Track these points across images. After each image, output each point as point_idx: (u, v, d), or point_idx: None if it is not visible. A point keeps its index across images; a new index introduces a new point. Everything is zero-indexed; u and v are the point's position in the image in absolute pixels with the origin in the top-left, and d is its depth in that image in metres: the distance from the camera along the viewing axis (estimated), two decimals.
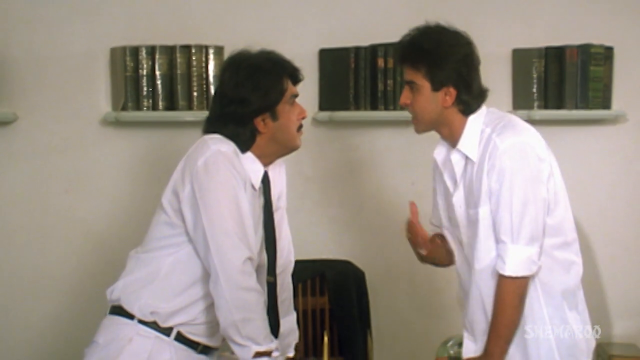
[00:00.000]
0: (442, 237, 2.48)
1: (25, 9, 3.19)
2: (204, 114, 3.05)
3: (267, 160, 2.32)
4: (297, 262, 3.21)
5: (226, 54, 3.13)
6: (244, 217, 2.15)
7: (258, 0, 3.31)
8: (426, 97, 2.23)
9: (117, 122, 3.21)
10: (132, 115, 3.17)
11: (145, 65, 3.15)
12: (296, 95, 2.34)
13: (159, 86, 3.16)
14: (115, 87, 3.22)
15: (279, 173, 2.44)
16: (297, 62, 3.21)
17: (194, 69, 3.18)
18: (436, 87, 2.22)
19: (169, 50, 3.16)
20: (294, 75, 2.35)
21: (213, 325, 2.21)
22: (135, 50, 3.14)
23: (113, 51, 3.19)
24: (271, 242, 2.36)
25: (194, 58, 3.17)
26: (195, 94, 3.18)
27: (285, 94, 2.27)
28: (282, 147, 2.34)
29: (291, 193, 3.34)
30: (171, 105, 3.17)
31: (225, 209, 2.12)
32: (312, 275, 3.24)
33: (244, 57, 2.33)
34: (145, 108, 3.16)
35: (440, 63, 2.21)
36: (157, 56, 3.15)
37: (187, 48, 3.17)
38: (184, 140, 3.09)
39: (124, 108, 3.16)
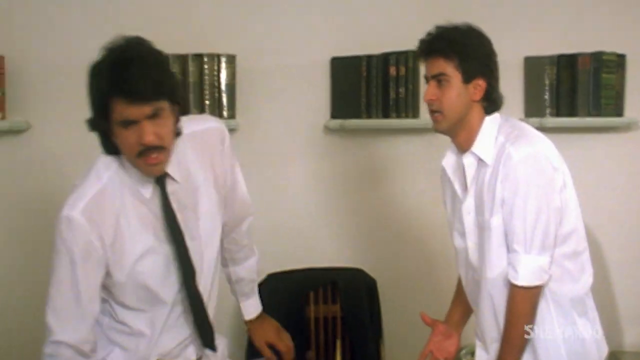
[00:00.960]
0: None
1: (37, 13, 3.19)
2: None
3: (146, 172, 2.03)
4: (308, 270, 3.26)
5: (238, 63, 3.17)
6: (80, 294, 2.00)
7: (270, 8, 3.30)
8: (456, 90, 2.22)
9: None
10: None
11: None
12: (129, 121, 1.85)
13: None
14: None
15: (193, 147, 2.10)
16: (309, 70, 3.32)
17: (206, 77, 3.18)
18: (468, 78, 2.21)
19: (181, 59, 3.17)
20: (130, 95, 1.82)
21: None
22: None
23: None
24: (180, 249, 2.08)
25: (206, 67, 3.18)
26: (207, 102, 3.19)
27: (112, 117, 1.87)
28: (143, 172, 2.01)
29: (303, 201, 3.38)
30: (183, 113, 3.17)
31: (54, 285, 2.01)
32: (323, 283, 3.24)
33: (100, 57, 1.91)
34: None
35: (472, 54, 2.22)
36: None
37: (199, 57, 3.18)
38: None
39: None
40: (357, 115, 3.30)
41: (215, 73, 3.20)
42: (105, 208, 1.98)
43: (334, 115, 3.35)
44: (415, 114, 3.29)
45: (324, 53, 3.34)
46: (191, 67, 3.17)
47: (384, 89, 3.29)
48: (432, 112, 2.28)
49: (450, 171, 2.37)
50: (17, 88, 3.13)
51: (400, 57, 3.25)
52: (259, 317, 2.54)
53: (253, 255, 2.50)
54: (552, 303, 2.25)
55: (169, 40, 3.13)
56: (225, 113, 3.20)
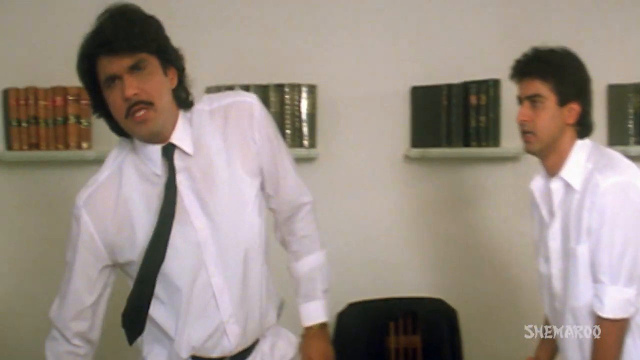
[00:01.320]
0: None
1: None
2: (297, 152, 3.14)
3: (152, 141, 1.96)
4: (389, 300, 3.24)
5: (319, 93, 3.20)
6: (70, 282, 2.03)
7: (350, 38, 3.33)
8: (550, 112, 2.21)
9: None
10: None
11: None
12: (112, 77, 1.83)
13: None
14: None
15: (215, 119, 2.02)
16: (389, 100, 3.32)
17: (287, 107, 3.22)
18: (563, 101, 2.21)
19: (263, 89, 3.21)
20: (106, 46, 1.81)
21: None
22: (229, 89, 3.19)
23: (208, 90, 3.25)
24: (160, 228, 1.94)
25: (287, 96, 3.21)
26: (288, 131, 3.22)
27: (100, 82, 1.87)
28: (136, 136, 1.96)
29: (383, 230, 3.37)
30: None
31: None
32: (403, 313, 3.22)
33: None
34: None
35: (569, 77, 2.22)
36: None
37: (280, 87, 3.22)
38: None
39: None
40: (438, 144, 3.29)
41: (296, 103, 3.23)
42: (110, 196, 1.98)
43: (414, 144, 3.34)
44: (496, 142, 3.26)
45: (404, 82, 3.34)
46: (272, 97, 3.21)
47: (464, 117, 3.27)
48: (524, 132, 2.27)
49: (538, 195, 2.35)
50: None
51: (481, 85, 3.24)
52: (314, 331, 2.19)
53: (316, 250, 2.23)
54: (638, 337, 2.19)
55: (251, 71, 3.23)
56: (305, 142, 3.23)
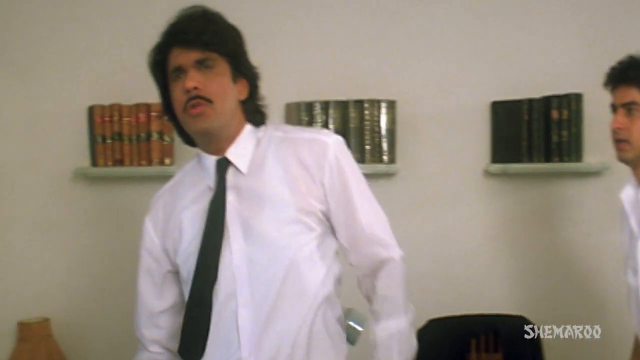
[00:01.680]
0: None
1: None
2: (376, 167, 3.14)
3: (209, 149, 1.97)
4: (470, 317, 3.20)
5: (398, 108, 3.19)
6: (139, 288, 2.10)
7: (430, 53, 3.31)
8: None
9: None
10: None
11: (319, 120, 3.22)
12: (178, 69, 1.87)
13: None
14: None
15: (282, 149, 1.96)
16: (469, 115, 3.30)
17: (367, 122, 3.22)
18: None
19: (342, 105, 3.22)
20: (178, 37, 1.87)
21: None
22: (309, 106, 3.22)
23: (288, 107, 3.28)
24: (207, 241, 1.90)
25: (366, 112, 3.21)
26: (367, 147, 3.22)
27: (167, 74, 1.92)
28: (192, 134, 1.97)
29: (463, 246, 3.33)
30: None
31: None
32: (485, 330, 3.17)
33: None
34: None
35: None
36: (330, 111, 3.22)
37: (359, 103, 3.22)
38: None
39: None
40: (518, 160, 3.25)
41: (376, 118, 3.22)
42: (168, 203, 2.03)
43: (494, 160, 3.31)
44: (578, 157, 3.21)
45: (484, 97, 3.31)
46: (352, 113, 3.22)
47: (545, 132, 3.22)
48: (618, 141, 2.24)
49: (627, 205, 2.31)
50: None
51: (563, 100, 3.19)
52: None
53: (399, 315, 2.00)
54: None
55: (331, 87, 3.24)
56: (385, 158, 3.22)
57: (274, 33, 3.29)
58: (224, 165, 1.94)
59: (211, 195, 1.93)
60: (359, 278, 2.06)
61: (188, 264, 1.94)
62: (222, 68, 1.89)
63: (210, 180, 1.95)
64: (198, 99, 1.83)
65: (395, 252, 2.05)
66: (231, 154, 1.94)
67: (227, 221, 1.90)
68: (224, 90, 1.89)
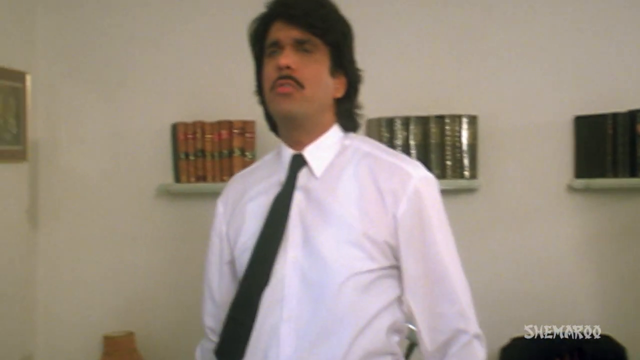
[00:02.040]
0: None
1: None
2: (457, 183, 3.13)
3: (289, 140, 1.85)
4: (554, 336, 3.15)
5: (480, 123, 3.17)
6: (206, 272, 2.03)
7: (511, 68, 3.28)
8: None
9: None
10: None
11: (399, 136, 3.21)
12: (275, 43, 1.75)
13: (414, 156, 3.20)
14: None
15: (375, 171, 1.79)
16: (552, 129, 3.25)
17: (448, 138, 3.20)
18: None
19: (423, 121, 3.21)
20: (280, 11, 1.76)
21: None
22: (390, 122, 3.22)
23: (369, 122, 3.28)
24: (264, 242, 1.78)
25: (447, 127, 3.20)
26: (448, 163, 3.20)
27: (264, 48, 1.80)
28: (275, 118, 1.85)
29: (546, 262, 3.28)
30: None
31: None
32: (569, 349, 3.12)
33: None
34: None
35: None
36: (411, 127, 3.21)
37: (440, 118, 3.20)
38: None
39: None
40: (603, 175, 3.19)
41: (457, 134, 3.20)
42: (239, 190, 1.95)
43: (578, 175, 3.26)
44: None
45: (567, 112, 3.26)
46: (433, 129, 3.20)
47: (630, 147, 3.15)
48: None
49: None
50: None
51: None
52: None
53: None
54: None
55: (411, 102, 3.23)
56: (466, 173, 3.20)
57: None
58: (298, 162, 1.81)
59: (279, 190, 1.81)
60: (421, 352, 1.80)
61: (242, 259, 1.82)
62: (322, 56, 1.76)
63: (283, 174, 1.82)
64: (289, 79, 1.70)
65: (474, 327, 1.77)
66: (309, 152, 1.81)
67: (289, 223, 1.76)
68: (319, 79, 1.75)
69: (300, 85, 1.71)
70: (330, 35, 1.75)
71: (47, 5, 3.50)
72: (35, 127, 3.44)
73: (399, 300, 1.79)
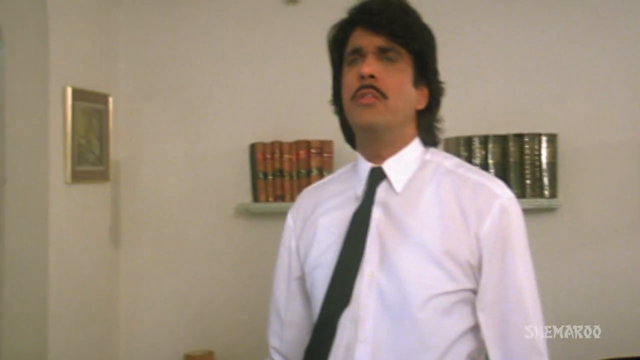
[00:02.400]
0: None
1: None
2: (536, 202, 3.09)
3: (368, 153, 1.77)
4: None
5: (559, 141, 3.13)
6: (273, 288, 1.94)
7: (592, 85, 3.23)
8: None
9: None
10: None
11: (478, 155, 3.19)
12: (357, 50, 1.68)
13: (492, 174, 3.16)
14: None
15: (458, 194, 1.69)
16: (634, 148, 3.19)
17: (527, 157, 3.16)
18: None
19: (502, 140, 3.19)
20: (363, 18, 1.68)
21: None
22: (468, 140, 3.20)
23: (447, 142, 3.27)
24: (345, 260, 1.69)
25: (526, 146, 3.16)
26: (527, 181, 3.16)
27: (344, 56, 1.73)
28: (355, 129, 1.77)
29: (629, 283, 3.21)
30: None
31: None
32: None
33: None
34: None
35: None
36: (489, 145, 3.19)
37: (519, 137, 3.17)
38: None
39: None
40: None
41: (536, 152, 3.17)
42: (310, 203, 1.87)
43: None
44: None
45: None
46: (512, 147, 3.17)
47: None
48: None
49: None
50: None
51: None
52: None
53: None
54: None
55: (490, 121, 3.21)
56: (546, 192, 3.16)
57: None
58: (377, 175, 1.73)
59: (356, 205, 1.73)
60: None
61: (314, 276, 1.76)
62: (405, 66, 1.68)
63: (360, 188, 1.75)
64: (371, 89, 1.63)
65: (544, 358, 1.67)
66: (389, 166, 1.73)
67: (367, 240, 1.68)
68: (402, 89, 1.67)
69: (383, 95, 1.64)
70: (414, 44, 1.68)
71: (128, 29, 3.59)
72: (117, 148, 3.52)
73: (477, 327, 1.70)
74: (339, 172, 1.92)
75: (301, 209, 1.89)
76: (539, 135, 3.18)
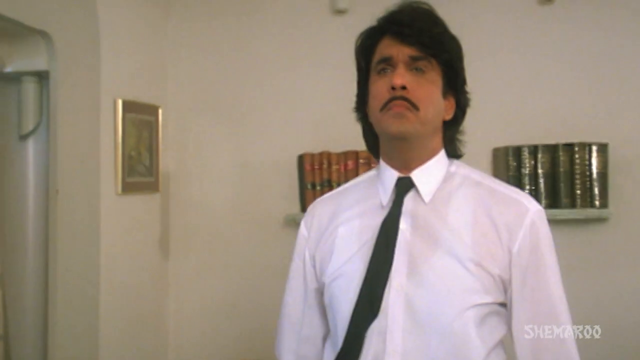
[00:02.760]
0: None
1: None
2: (587, 212, 3.06)
3: (394, 162, 1.73)
4: None
5: (610, 151, 3.10)
6: (286, 302, 1.87)
7: None
8: None
9: None
10: None
11: (527, 165, 3.18)
12: (386, 60, 1.65)
13: (542, 184, 3.16)
14: None
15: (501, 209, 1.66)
16: None
17: (577, 166, 3.14)
18: None
19: (551, 149, 3.17)
20: (393, 28, 1.65)
21: None
22: (517, 150, 3.19)
23: (495, 151, 3.26)
24: (374, 274, 1.63)
25: (576, 156, 3.14)
26: (578, 191, 3.14)
27: (373, 58, 1.69)
28: (383, 138, 1.73)
29: None
30: (554, 203, 3.16)
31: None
32: None
33: None
34: None
35: None
36: (539, 155, 3.17)
37: (569, 146, 3.15)
38: (565, 238, 3.09)
39: None
40: None
41: (586, 162, 3.15)
42: (327, 211, 1.81)
43: None
44: None
45: None
46: (562, 157, 3.15)
47: None
48: None
49: None
50: None
51: None
52: None
53: None
54: None
55: (539, 131, 3.19)
56: (597, 202, 3.14)
57: (480, 77, 3.29)
58: (406, 185, 1.69)
59: (382, 214, 1.68)
60: None
61: (334, 287, 1.70)
62: (435, 76, 1.66)
63: (386, 197, 1.70)
64: (403, 100, 1.60)
65: None
66: (417, 176, 1.69)
67: (395, 251, 1.64)
68: (432, 100, 1.64)
69: (414, 106, 1.60)
70: (444, 54, 1.65)
71: (177, 42, 3.63)
72: (167, 159, 3.56)
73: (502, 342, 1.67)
74: (356, 181, 1.88)
75: (315, 219, 1.84)
76: (589, 144, 3.15)
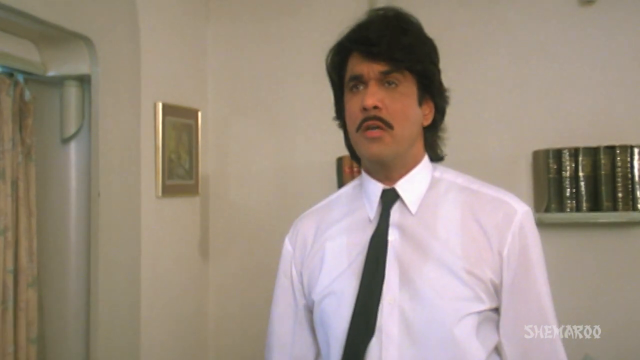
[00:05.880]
0: None
1: None
2: (629, 215, 3.03)
3: (377, 175, 1.70)
4: None
5: None
6: (274, 321, 1.84)
7: None
8: None
9: (540, 223, 3.21)
10: (555, 217, 3.16)
11: (568, 168, 3.15)
12: (357, 78, 1.62)
13: (582, 187, 3.14)
14: (537, 189, 3.24)
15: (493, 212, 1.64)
16: None
17: (619, 169, 3.11)
18: None
19: (592, 152, 3.14)
20: (361, 44, 1.61)
21: None
22: (558, 153, 3.16)
23: (536, 154, 3.24)
24: (365, 291, 1.61)
25: (618, 158, 3.11)
26: (619, 194, 3.11)
27: (344, 77, 1.67)
28: (362, 157, 1.71)
29: None
30: (595, 207, 3.13)
31: None
32: None
33: None
34: (568, 210, 3.14)
35: None
36: (580, 158, 3.14)
37: (611, 149, 3.12)
38: (607, 241, 3.06)
39: (547, 210, 3.17)
40: None
41: (628, 165, 3.11)
42: (311, 226, 1.79)
43: None
44: None
45: None
46: (603, 160, 3.12)
47: None
48: None
49: None
50: None
51: None
52: None
53: None
54: None
55: (579, 133, 3.16)
56: (639, 206, 3.10)
57: (521, 79, 3.28)
58: (390, 197, 1.66)
59: (370, 229, 1.66)
60: None
61: (324, 305, 1.67)
62: (408, 87, 1.62)
63: (372, 211, 1.68)
64: (377, 120, 1.57)
65: None
66: (402, 187, 1.67)
67: (385, 265, 1.62)
68: (407, 114, 1.60)
69: (388, 125, 1.57)
70: (417, 65, 1.61)
71: (217, 45, 3.66)
72: (206, 162, 3.58)
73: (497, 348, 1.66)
74: (339, 193, 1.85)
75: (300, 234, 1.81)
76: (631, 147, 3.11)
